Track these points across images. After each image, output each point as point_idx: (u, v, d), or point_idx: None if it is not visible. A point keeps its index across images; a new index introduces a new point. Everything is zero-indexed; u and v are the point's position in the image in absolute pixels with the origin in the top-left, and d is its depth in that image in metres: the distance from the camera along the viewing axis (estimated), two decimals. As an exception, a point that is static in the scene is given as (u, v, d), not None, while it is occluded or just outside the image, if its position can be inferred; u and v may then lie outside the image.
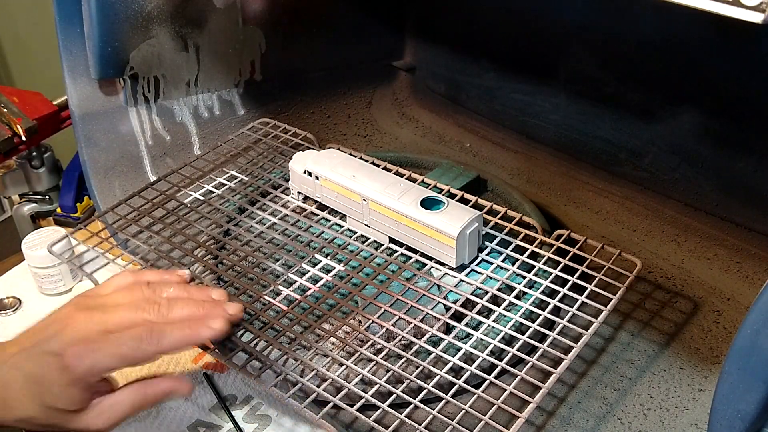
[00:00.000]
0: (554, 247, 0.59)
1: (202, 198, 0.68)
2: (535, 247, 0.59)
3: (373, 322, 0.54)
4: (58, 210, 0.88)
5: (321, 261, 0.60)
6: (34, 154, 0.87)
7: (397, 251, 0.61)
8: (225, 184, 0.69)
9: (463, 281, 0.57)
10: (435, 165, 0.75)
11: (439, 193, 0.63)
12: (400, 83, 0.93)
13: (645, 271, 0.67)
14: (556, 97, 0.76)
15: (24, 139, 0.80)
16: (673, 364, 0.57)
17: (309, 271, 0.59)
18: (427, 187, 0.64)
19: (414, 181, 0.66)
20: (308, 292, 0.57)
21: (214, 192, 0.69)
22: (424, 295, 0.55)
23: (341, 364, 0.51)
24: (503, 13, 0.78)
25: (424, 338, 0.52)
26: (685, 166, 0.68)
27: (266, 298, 0.56)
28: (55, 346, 0.46)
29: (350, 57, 0.88)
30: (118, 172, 0.72)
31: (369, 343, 0.52)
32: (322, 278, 0.58)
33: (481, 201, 0.64)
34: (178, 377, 0.53)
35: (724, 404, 0.38)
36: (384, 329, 0.53)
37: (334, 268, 0.59)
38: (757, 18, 0.28)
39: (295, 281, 0.58)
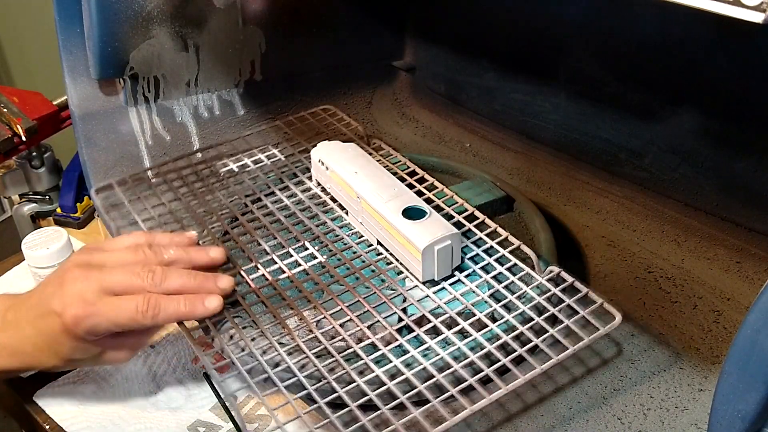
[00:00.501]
0: (535, 284, 0.56)
1: (236, 169, 0.70)
2: (518, 279, 0.56)
3: (324, 317, 0.53)
4: (58, 210, 0.88)
5: (309, 249, 0.61)
6: (34, 154, 0.87)
7: (383, 254, 0.61)
8: (262, 161, 0.72)
9: (429, 297, 0.56)
10: (471, 176, 0.74)
11: (450, 206, 0.63)
12: (400, 83, 0.93)
13: (645, 271, 0.67)
14: (556, 97, 0.76)
15: (24, 139, 0.80)
16: (673, 364, 0.57)
17: (293, 257, 0.59)
18: (439, 199, 0.64)
19: (432, 189, 0.66)
20: (281, 276, 0.58)
21: (250, 166, 0.71)
22: (384, 302, 0.55)
23: (279, 351, 0.51)
24: (503, 13, 0.78)
25: (362, 344, 0.51)
26: (685, 166, 0.68)
27: (242, 274, 0.57)
28: (57, 306, 0.48)
29: (350, 57, 0.88)
30: (118, 172, 0.72)
31: (310, 337, 0.52)
32: (300, 265, 0.59)
33: (487, 221, 0.62)
34: None
35: (724, 404, 0.38)
36: (330, 326, 0.52)
37: (317, 258, 0.60)
38: (757, 18, 0.28)
39: (276, 263, 0.59)
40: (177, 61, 0.72)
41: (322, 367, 0.49)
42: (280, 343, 0.51)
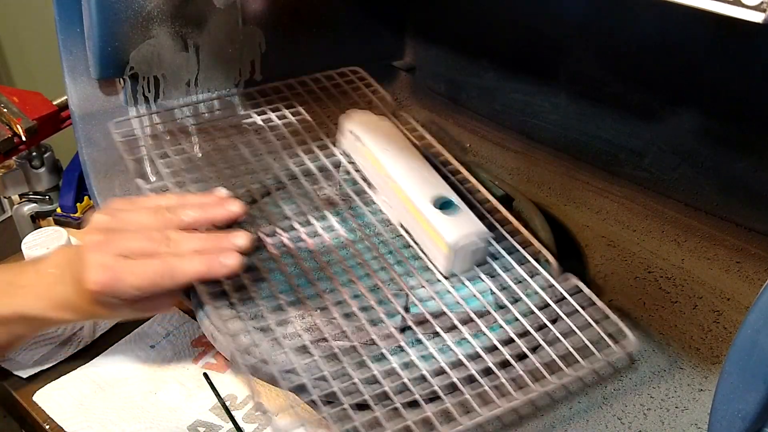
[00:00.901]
0: (552, 290, 0.56)
1: (261, 122, 0.70)
2: (536, 285, 0.56)
3: (333, 319, 0.53)
4: (58, 210, 0.88)
5: (329, 219, 0.60)
6: (34, 154, 0.87)
7: (402, 235, 0.60)
8: (286, 117, 0.71)
9: (446, 289, 0.56)
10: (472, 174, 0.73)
11: (472, 194, 0.62)
12: (400, 83, 0.93)
13: (645, 271, 0.67)
14: (556, 97, 0.76)
15: (24, 139, 0.80)
16: (673, 364, 0.57)
17: (312, 225, 0.60)
18: (462, 186, 0.63)
19: (456, 173, 0.65)
20: (300, 244, 0.58)
21: (274, 120, 0.70)
22: (402, 291, 0.55)
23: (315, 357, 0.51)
24: (503, 13, 0.78)
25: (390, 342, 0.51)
26: (685, 166, 0.68)
27: (262, 235, 0.57)
28: (82, 273, 0.48)
29: (350, 57, 0.88)
30: (118, 172, 0.72)
31: (319, 338, 0.52)
32: (320, 235, 0.59)
33: (509, 217, 0.61)
34: None
35: (724, 404, 0.38)
36: (360, 323, 0.52)
37: (336, 229, 0.60)
38: (757, 18, 0.28)
39: (295, 229, 0.59)
40: (177, 61, 0.72)
41: (351, 367, 0.49)
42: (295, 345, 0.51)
